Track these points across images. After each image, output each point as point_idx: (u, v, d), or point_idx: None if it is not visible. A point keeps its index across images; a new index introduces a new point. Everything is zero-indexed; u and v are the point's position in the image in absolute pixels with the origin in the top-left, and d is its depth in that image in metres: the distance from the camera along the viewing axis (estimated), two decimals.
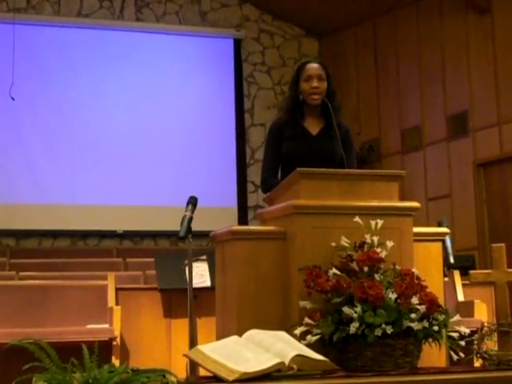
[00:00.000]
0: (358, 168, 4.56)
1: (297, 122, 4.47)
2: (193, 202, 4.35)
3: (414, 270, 3.49)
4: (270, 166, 4.51)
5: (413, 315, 3.29)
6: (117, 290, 6.05)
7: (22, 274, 6.96)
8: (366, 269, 3.41)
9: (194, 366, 3.31)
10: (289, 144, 4.45)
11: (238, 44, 12.26)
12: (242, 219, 11.61)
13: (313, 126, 4.51)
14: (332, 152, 4.43)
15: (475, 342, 3.64)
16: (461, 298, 6.74)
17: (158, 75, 11.59)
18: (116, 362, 5.40)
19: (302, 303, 3.41)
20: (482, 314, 6.39)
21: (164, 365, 5.11)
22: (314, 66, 4.47)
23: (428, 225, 6.80)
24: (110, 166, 11.12)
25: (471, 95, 10.18)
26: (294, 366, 3.02)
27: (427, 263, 3.84)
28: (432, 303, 3.36)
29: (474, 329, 3.80)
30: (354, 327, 3.23)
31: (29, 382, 2.94)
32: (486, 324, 3.81)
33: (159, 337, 5.95)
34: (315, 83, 4.42)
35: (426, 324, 3.33)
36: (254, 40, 12.39)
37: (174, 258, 6.08)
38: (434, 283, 3.69)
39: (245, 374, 2.90)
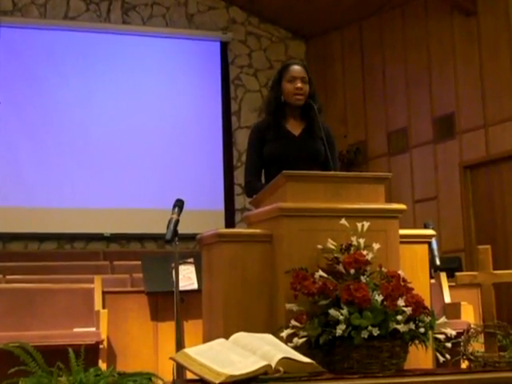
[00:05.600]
0: (345, 170, 4.59)
1: (278, 124, 4.49)
2: (179, 204, 4.36)
3: (400, 272, 3.49)
4: (254, 168, 4.51)
5: (399, 317, 3.30)
6: (104, 293, 6.03)
7: (8, 277, 6.94)
8: (352, 271, 3.41)
9: (180, 369, 3.31)
10: (271, 145, 4.46)
11: (224, 46, 12.25)
12: (230, 222, 11.60)
13: (294, 127, 4.53)
14: (315, 151, 4.46)
15: (461, 343, 3.65)
16: (447, 299, 6.76)
17: (144, 78, 11.57)
18: (103, 365, 5.39)
19: (289, 306, 3.41)
20: (469, 315, 6.40)
21: (151, 368, 5.10)
22: (297, 68, 4.52)
23: (414, 227, 6.83)
24: (96, 168, 11.09)
25: (457, 97, 10.21)
26: (281, 369, 3.02)
27: (413, 265, 3.85)
28: (418, 305, 3.37)
29: (461, 330, 3.79)
30: (340, 329, 3.23)
31: None
32: (472, 326, 3.82)
33: (146, 340, 5.94)
34: (299, 84, 4.45)
35: (412, 326, 3.33)
36: (240, 42, 12.39)
37: (161, 260, 6.07)
38: (421, 285, 3.70)
39: (231, 376, 2.89)
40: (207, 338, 3.63)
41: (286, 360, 3.05)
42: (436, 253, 5.62)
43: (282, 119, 4.52)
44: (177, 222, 4.27)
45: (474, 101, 9.95)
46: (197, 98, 11.80)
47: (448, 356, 3.51)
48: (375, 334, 3.23)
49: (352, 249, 3.48)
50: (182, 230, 4.35)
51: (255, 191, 4.20)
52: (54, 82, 11.15)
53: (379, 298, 3.32)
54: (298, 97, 4.47)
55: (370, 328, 3.24)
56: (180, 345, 4.05)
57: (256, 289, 3.60)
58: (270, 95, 4.65)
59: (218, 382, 2.88)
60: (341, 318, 3.25)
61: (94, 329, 5.77)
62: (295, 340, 3.31)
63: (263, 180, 4.51)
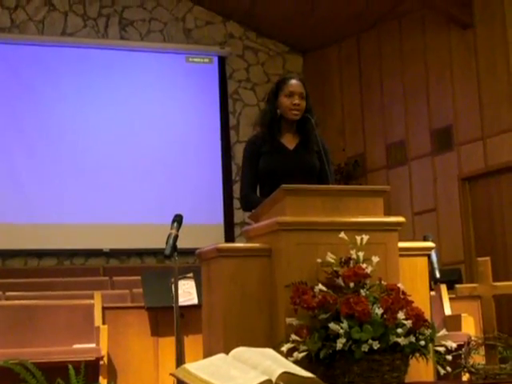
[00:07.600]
0: (344, 183, 4.58)
1: (273, 137, 4.48)
2: (178, 220, 4.37)
3: (399, 285, 3.49)
4: (249, 182, 4.50)
5: (399, 330, 3.29)
6: (103, 308, 6.03)
7: (8, 294, 6.93)
8: (351, 284, 3.41)
9: None
10: (266, 159, 4.46)
11: (222, 61, 12.28)
12: (229, 236, 11.59)
13: (289, 141, 4.52)
14: (309, 165, 4.45)
15: (462, 356, 3.64)
16: (448, 312, 6.75)
17: (143, 93, 11.59)
18: (103, 381, 5.38)
19: (289, 320, 3.40)
20: (470, 327, 6.40)
21: None
22: (296, 83, 4.49)
23: (414, 239, 6.82)
24: (95, 184, 11.09)
25: (455, 109, 10.22)
26: None
27: (413, 278, 3.85)
28: (418, 318, 3.36)
29: (461, 343, 3.78)
30: (340, 343, 3.23)
31: None
32: (472, 338, 3.81)
33: (146, 355, 5.93)
34: (297, 100, 4.43)
35: (412, 339, 3.32)
36: (238, 57, 12.41)
37: (161, 276, 6.07)
38: (421, 298, 3.70)
39: None
40: (207, 353, 3.62)
41: (286, 375, 3.04)
42: (436, 265, 5.60)
43: (277, 133, 4.50)
44: (176, 237, 4.28)
45: (472, 112, 9.96)
46: (195, 112, 11.81)
47: (449, 368, 3.51)
48: (375, 348, 3.23)
49: (351, 262, 3.47)
50: (181, 244, 4.36)
51: (251, 204, 4.21)
52: (52, 98, 11.16)
53: (379, 311, 3.32)
54: (294, 112, 4.45)
55: (370, 341, 3.23)
56: (180, 360, 4.05)
57: (256, 303, 3.59)
58: (266, 108, 4.63)
59: None
60: (341, 331, 3.25)
61: (94, 345, 5.76)
62: (296, 354, 3.30)
63: (258, 193, 4.50)
